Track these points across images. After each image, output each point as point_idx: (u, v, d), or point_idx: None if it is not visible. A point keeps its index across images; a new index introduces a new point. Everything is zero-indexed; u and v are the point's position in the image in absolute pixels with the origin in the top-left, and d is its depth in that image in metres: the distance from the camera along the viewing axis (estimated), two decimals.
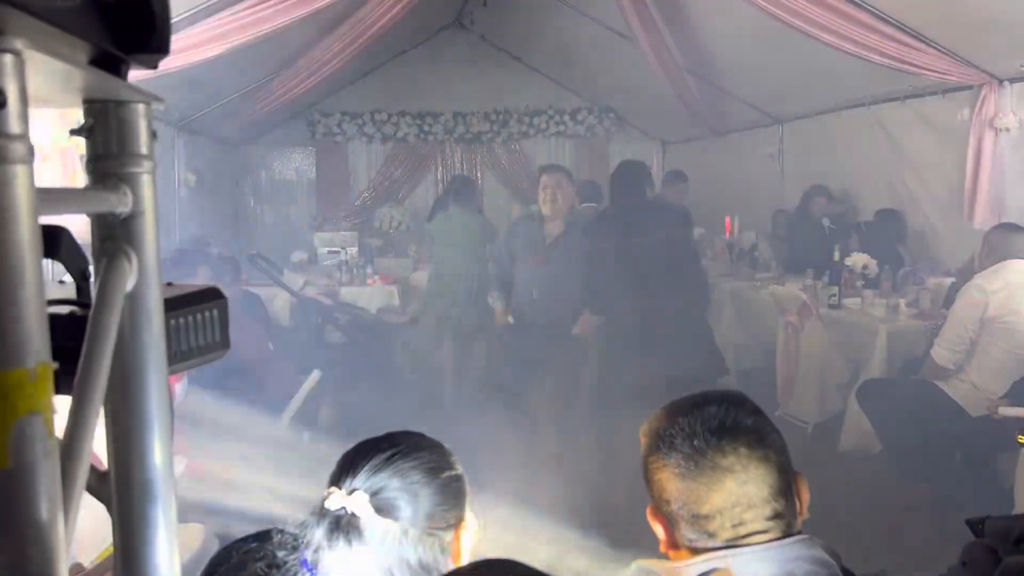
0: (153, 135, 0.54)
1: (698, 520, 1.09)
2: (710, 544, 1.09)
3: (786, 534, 1.09)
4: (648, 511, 1.16)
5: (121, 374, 0.52)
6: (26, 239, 0.39)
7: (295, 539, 1.27)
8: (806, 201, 5.90)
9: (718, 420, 1.10)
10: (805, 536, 1.10)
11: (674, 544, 1.14)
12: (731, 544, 1.08)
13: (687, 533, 1.11)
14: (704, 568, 1.07)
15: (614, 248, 3.91)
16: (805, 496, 1.14)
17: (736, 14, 4.81)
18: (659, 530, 1.16)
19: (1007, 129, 4.38)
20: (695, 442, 1.09)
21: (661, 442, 1.13)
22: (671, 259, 3.90)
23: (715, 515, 1.08)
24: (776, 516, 1.08)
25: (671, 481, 1.11)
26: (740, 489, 1.07)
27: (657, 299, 3.82)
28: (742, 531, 1.07)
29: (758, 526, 1.08)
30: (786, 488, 1.11)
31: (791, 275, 5.54)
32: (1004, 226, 3.88)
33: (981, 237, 3.94)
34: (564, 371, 4.26)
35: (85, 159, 0.53)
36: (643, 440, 1.17)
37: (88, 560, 1.74)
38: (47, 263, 0.45)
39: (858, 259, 4.93)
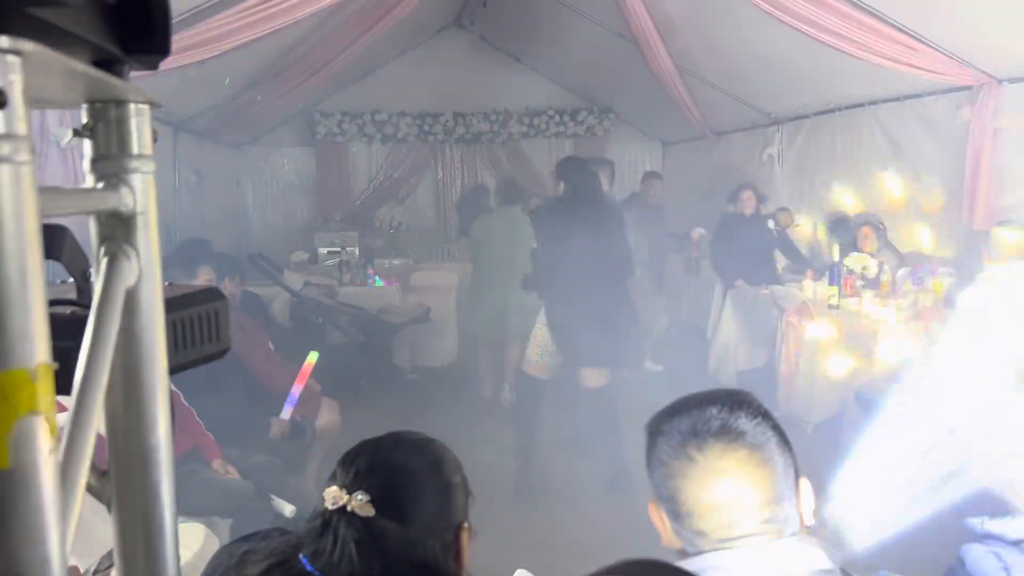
0: (153, 135, 0.54)
1: (692, 518, 1.09)
2: (701, 543, 1.09)
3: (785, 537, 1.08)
4: (649, 505, 1.17)
5: (121, 374, 0.52)
6: (27, 239, 0.39)
7: (296, 539, 1.27)
8: (733, 199, 5.89)
9: (719, 421, 1.10)
10: (803, 537, 1.10)
11: (672, 540, 1.15)
12: (721, 545, 1.08)
13: (681, 530, 1.11)
14: (695, 568, 1.07)
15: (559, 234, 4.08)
16: (809, 501, 1.13)
17: (736, 14, 4.82)
18: (659, 525, 1.16)
19: (1007, 129, 4.38)
20: (693, 441, 1.09)
21: (661, 438, 1.13)
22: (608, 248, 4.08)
23: (708, 514, 1.08)
24: (773, 520, 1.08)
25: (668, 478, 1.11)
26: (735, 491, 1.07)
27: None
28: (736, 532, 1.07)
29: (753, 528, 1.07)
30: (787, 493, 1.10)
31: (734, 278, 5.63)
32: (1004, 225, 3.88)
33: (980, 237, 3.94)
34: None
35: (86, 159, 0.53)
36: (646, 435, 1.17)
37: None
38: (47, 263, 0.45)
39: (857, 259, 4.94)
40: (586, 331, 3.98)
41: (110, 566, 1.27)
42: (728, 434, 1.09)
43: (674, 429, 1.12)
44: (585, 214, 4.05)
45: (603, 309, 3.98)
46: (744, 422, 1.10)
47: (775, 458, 1.09)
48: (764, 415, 1.13)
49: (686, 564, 1.08)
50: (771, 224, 5.73)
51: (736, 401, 1.13)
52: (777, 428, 1.13)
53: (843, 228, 5.45)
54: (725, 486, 1.07)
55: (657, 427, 1.15)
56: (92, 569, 1.32)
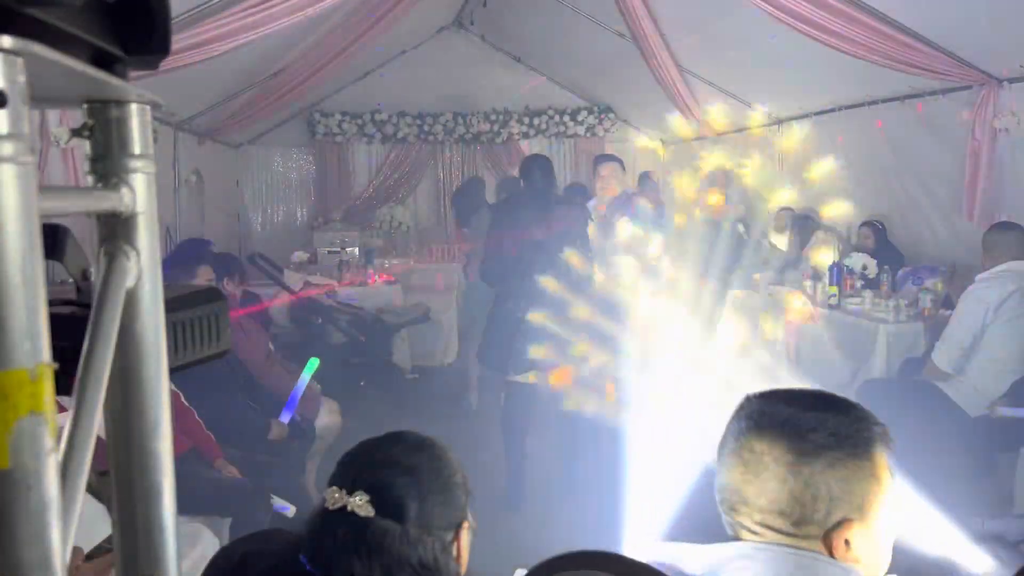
0: (153, 135, 0.54)
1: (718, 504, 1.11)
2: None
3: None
4: None
5: (121, 374, 0.52)
6: (27, 239, 0.39)
7: (296, 539, 1.27)
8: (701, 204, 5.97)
9: (759, 414, 1.06)
10: (808, 548, 1.03)
11: None
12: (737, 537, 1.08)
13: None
14: (668, 556, 1.07)
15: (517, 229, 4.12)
16: (850, 539, 1.04)
17: (736, 14, 4.82)
18: None
19: (1007, 129, 4.38)
20: (732, 428, 1.10)
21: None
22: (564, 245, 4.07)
23: (719, 503, 1.09)
24: (766, 526, 1.04)
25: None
26: (739, 486, 1.06)
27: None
28: (733, 528, 1.08)
29: (749, 527, 1.06)
30: (822, 502, 1.02)
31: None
32: (1002, 225, 3.88)
33: (981, 237, 3.94)
34: None
35: (86, 159, 0.53)
36: None
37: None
38: (47, 263, 0.45)
39: (857, 259, 4.94)
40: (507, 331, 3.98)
41: (110, 549, 1.27)
42: (761, 432, 1.05)
43: (736, 414, 1.11)
44: (534, 211, 4.07)
45: (527, 308, 3.97)
46: (783, 425, 1.04)
47: (805, 471, 1.02)
48: (826, 427, 1.04)
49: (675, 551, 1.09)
50: (740, 228, 5.74)
51: (807, 403, 1.07)
52: (837, 446, 1.04)
53: (804, 226, 5.54)
54: (730, 477, 1.07)
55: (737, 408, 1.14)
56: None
